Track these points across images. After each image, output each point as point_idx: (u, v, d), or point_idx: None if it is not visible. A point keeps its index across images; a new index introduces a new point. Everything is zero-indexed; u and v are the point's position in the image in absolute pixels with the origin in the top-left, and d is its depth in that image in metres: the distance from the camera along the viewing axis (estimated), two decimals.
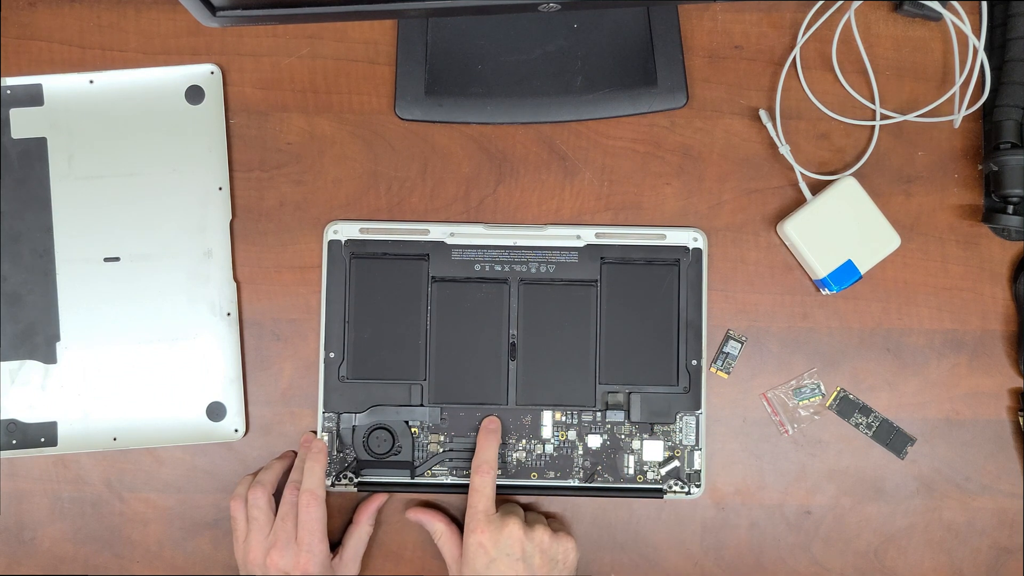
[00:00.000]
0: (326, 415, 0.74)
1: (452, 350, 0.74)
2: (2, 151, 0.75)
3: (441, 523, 0.72)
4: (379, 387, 0.74)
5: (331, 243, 0.75)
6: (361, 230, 0.75)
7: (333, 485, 0.74)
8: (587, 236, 0.75)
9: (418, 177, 0.76)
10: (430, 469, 0.74)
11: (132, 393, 0.75)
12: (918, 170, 0.76)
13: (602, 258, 0.75)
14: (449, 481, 0.74)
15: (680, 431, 0.74)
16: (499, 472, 0.74)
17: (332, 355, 0.74)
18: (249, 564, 0.70)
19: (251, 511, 0.71)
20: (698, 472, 0.74)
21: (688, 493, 0.74)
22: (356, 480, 0.74)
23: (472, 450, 0.74)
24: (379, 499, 0.74)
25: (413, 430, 0.74)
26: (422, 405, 0.74)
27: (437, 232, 0.75)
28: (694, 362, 0.74)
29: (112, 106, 0.75)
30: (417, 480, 0.74)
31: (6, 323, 0.75)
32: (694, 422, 0.74)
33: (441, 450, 0.74)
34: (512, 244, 0.75)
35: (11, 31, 0.76)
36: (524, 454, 0.74)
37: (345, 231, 0.75)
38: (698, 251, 0.75)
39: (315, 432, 0.74)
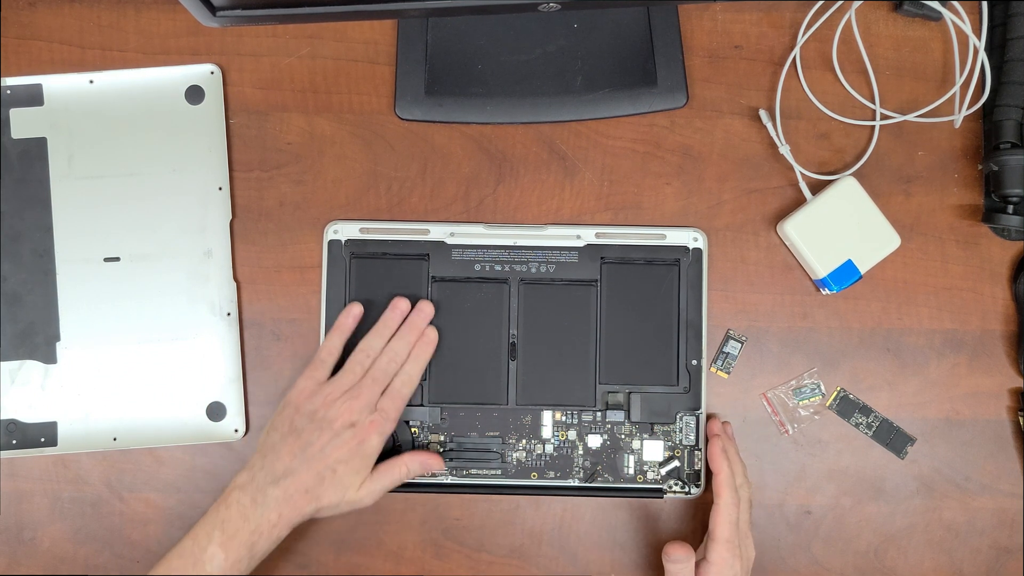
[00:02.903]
0: None
1: (452, 350, 0.74)
2: (2, 151, 0.75)
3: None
4: None
5: (331, 243, 0.75)
6: (361, 230, 0.75)
7: None
8: (587, 236, 0.75)
9: (418, 177, 0.76)
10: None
11: (132, 393, 0.75)
12: (918, 170, 0.76)
13: (602, 258, 0.75)
14: (450, 481, 0.74)
15: (680, 431, 0.74)
16: (498, 472, 0.74)
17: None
18: (317, 400, 0.69)
19: (352, 364, 0.70)
20: (698, 472, 0.74)
21: (688, 493, 0.74)
22: None
23: (473, 450, 0.74)
24: (436, 460, 0.72)
25: (413, 430, 0.74)
26: (422, 405, 0.74)
27: (437, 232, 0.75)
28: (694, 362, 0.74)
29: (112, 106, 0.75)
30: (417, 480, 0.74)
31: (6, 323, 0.75)
32: (694, 422, 0.74)
33: (441, 450, 0.74)
34: (512, 244, 0.75)
35: (11, 31, 0.76)
36: (524, 454, 0.74)
37: (345, 231, 0.75)
38: (698, 251, 0.75)
39: (408, 301, 0.73)
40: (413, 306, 0.74)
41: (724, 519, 0.69)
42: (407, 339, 0.72)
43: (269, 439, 0.69)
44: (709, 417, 0.75)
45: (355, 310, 0.73)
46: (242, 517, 0.66)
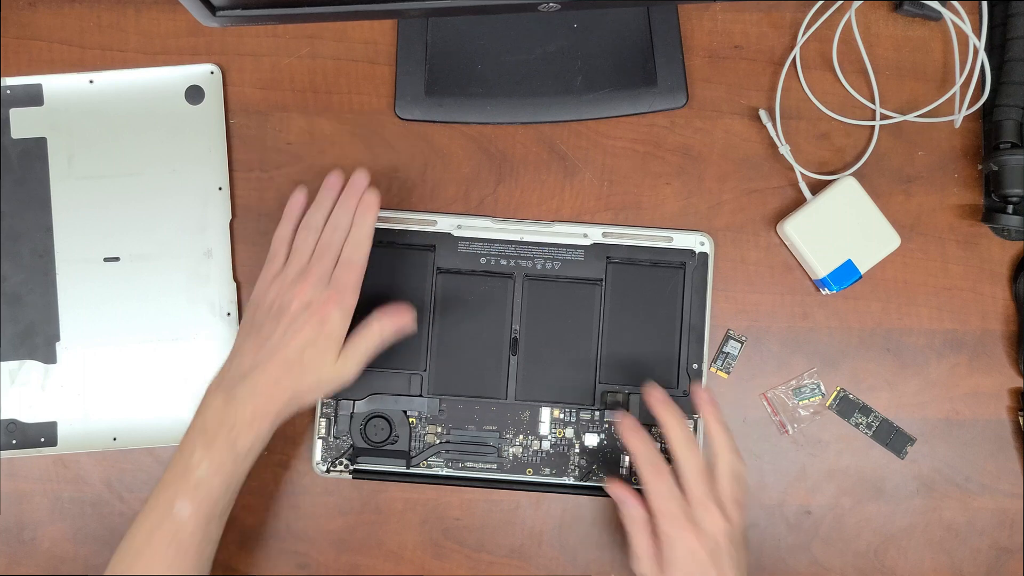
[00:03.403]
0: (324, 401, 0.74)
1: (454, 342, 0.74)
2: (2, 151, 0.75)
3: (642, 511, 0.67)
4: (379, 375, 0.74)
5: None
6: None
7: (328, 471, 0.74)
8: (594, 235, 0.75)
9: (418, 177, 0.76)
10: (426, 460, 0.74)
11: (132, 393, 0.75)
12: (918, 170, 0.76)
13: (608, 257, 0.75)
14: (445, 472, 0.74)
15: None
16: (494, 467, 0.74)
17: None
18: (272, 291, 0.67)
19: (298, 244, 0.68)
20: None
21: None
22: (351, 467, 0.74)
23: (470, 443, 0.74)
24: (406, 315, 0.69)
25: (411, 420, 0.74)
26: (421, 396, 0.74)
27: (444, 224, 0.75)
28: (695, 366, 0.74)
29: (112, 106, 0.75)
30: (413, 470, 0.74)
31: (6, 323, 0.75)
32: (692, 425, 0.74)
33: (438, 441, 0.74)
34: (519, 239, 0.75)
35: (11, 31, 0.76)
36: (520, 449, 0.74)
37: None
38: (704, 255, 0.75)
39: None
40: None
41: (651, 494, 0.66)
42: (347, 205, 0.68)
43: (237, 341, 0.68)
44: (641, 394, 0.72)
45: (299, 194, 0.71)
46: (217, 419, 0.65)
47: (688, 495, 0.65)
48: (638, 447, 0.67)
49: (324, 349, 0.65)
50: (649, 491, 0.66)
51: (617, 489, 0.68)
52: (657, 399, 0.68)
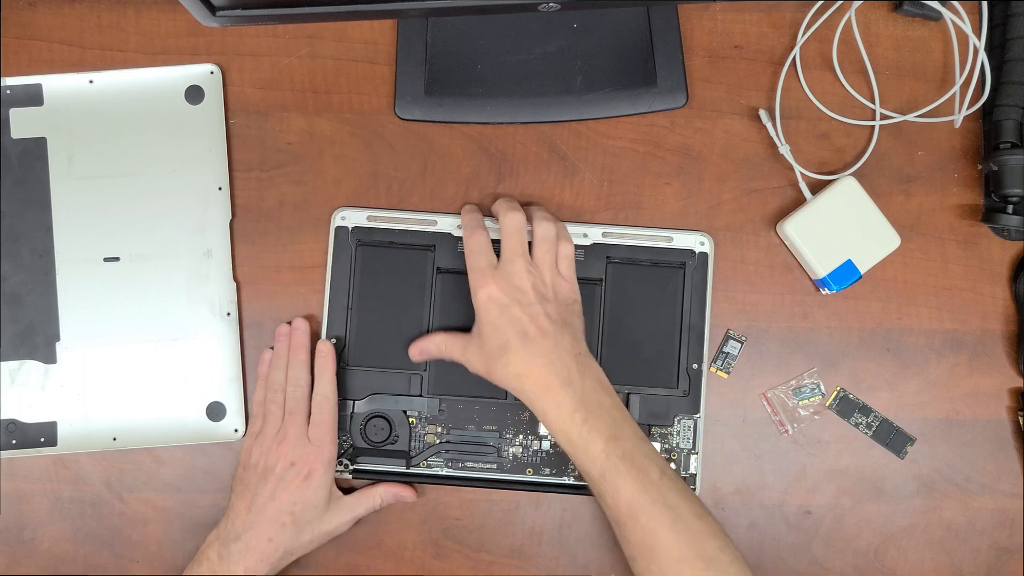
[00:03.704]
0: None
1: None
2: (2, 151, 0.75)
3: (438, 335, 0.71)
4: (379, 375, 0.74)
5: (338, 229, 0.75)
6: (368, 218, 0.75)
7: None
8: (594, 235, 0.75)
9: (418, 177, 0.76)
10: (426, 460, 0.74)
11: (132, 393, 0.75)
12: (918, 170, 0.76)
13: (608, 257, 0.75)
14: (445, 472, 0.74)
15: (678, 434, 0.74)
16: (494, 466, 0.74)
17: (334, 341, 0.74)
18: (256, 452, 0.71)
19: (269, 406, 0.72)
20: (694, 476, 0.74)
21: None
22: (351, 467, 0.74)
23: (470, 443, 0.74)
24: (409, 492, 0.74)
25: (411, 420, 0.74)
26: (421, 395, 0.74)
27: (444, 223, 0.75)
28: (695, 366, 0.74)
29: (112, 106, 0.75)
30: (413, 470, 0.74)
31: (6, 323, 0.75)
32: (692, 425, 0.74)
33: (438, 441, 0.74)
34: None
35: (11, 31, 0.76)
36: (520, 449, 0.74)
37: (352, 218, 0.75)
38: (704, 255, 0.75)
39: (289, 323, 0.75)
40: None
41: (465, 253, 0.70)
42: (299, 359, 0.73)
43: (230, 502, 0.71)
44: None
45: (266, 355, 0.74)
46: (211, 573, 0.68)
47: (501, 256, 0.68)
48: (465, 217, 0.71)
49: (315, 503, 0.70)
50: (464, 250, 0.70)
51: (414, 350, 0.72)
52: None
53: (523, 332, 0.65)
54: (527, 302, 0.66)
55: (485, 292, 0.67)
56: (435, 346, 0.72)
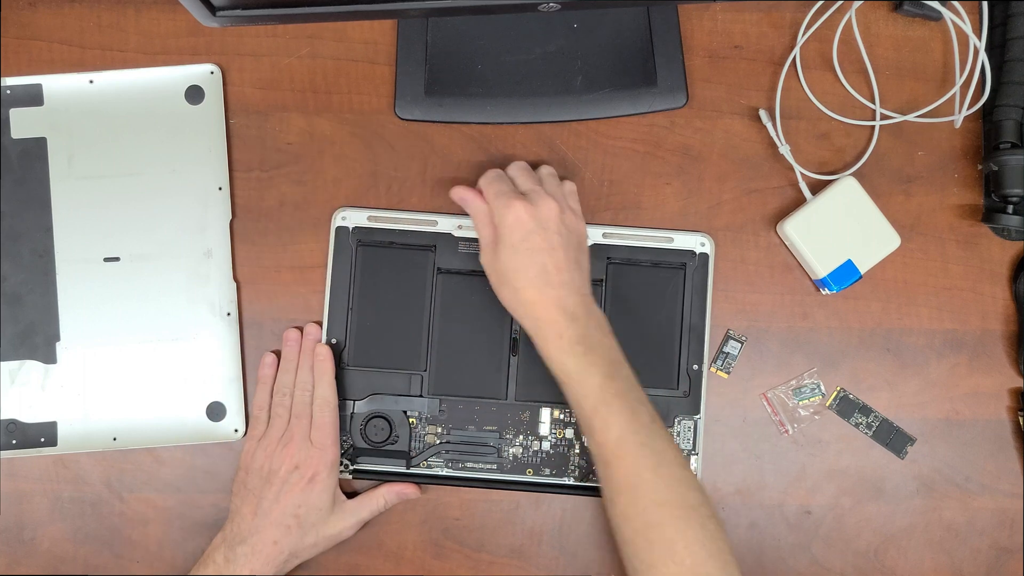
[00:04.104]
0: None
1: (454, 342, 0.74)
2: (2, 151, 0.75)
3: (483, 203, 0.69)
4: (379, 375, 0.74)
5: (338, 229, 0.75)
6: (369, 218, 0.75)
7: None
8: (594, 236, 0.75)
9: (418, 177, 0.76)
10: (426, 460, 0.74)
11: (132, 393, 0.75)
12: (918, 170, 0.76)
13: (608, 258, 0.75)
14: (445, 473, 0.74)
15: (678, 434, 0.74)
16: (494, 467, 0.74)
17: (334, 341, 0.74)
18: (260, 455, 0.71)
19: (276, 409, 0.72)
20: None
21: None
22: (352, 467, 0.74)
23: (470, 443, 0.74)
24: (412, 489, 0.74)
25: (411, 420, 0.74)
26: (421, 396, 0.74)
27: (445, 224, 0.75)
28: (695, 367, 0.74)
29: (112, 106, 0.75)
30: (413, 471, 0.74)
31: (6, 323, 0.75)
32: (692, 426, 0.74)
33: (438, 441, 0.74)
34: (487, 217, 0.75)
35: (11, 31, 0.76)
36: (520, 450, 0.74)
37: (353, 218, 0.75)
38: (704, 256, 0.75)
39: (300, 328, 0.75)
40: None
41: (482, 185, 0.70)
42: (308, 364, 0.73)
43: (233, 505, 0.71)
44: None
45: (268, 359, 0.74)
46: (217, 574, 0.69)
47: (519, 188, 0.69)
48: (465, 188, 0.70)
49: (319, 506, 0.70)
50: (481, 184, 0.70)
51: (458, 191, 0.70)
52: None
53: (540, 263, 0.66)
54: (550, 231, 0.67)
55: (514, 214, 0.67)
56: (475, 210, 0.70)
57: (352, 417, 0.74)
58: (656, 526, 0.62)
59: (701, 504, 0.63)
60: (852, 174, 0.75)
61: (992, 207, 0.75)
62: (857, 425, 0.76)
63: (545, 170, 0.72)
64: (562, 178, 0.73)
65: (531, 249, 0.66)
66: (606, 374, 0.65)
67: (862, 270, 0.73)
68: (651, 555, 0.62)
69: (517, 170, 0.71)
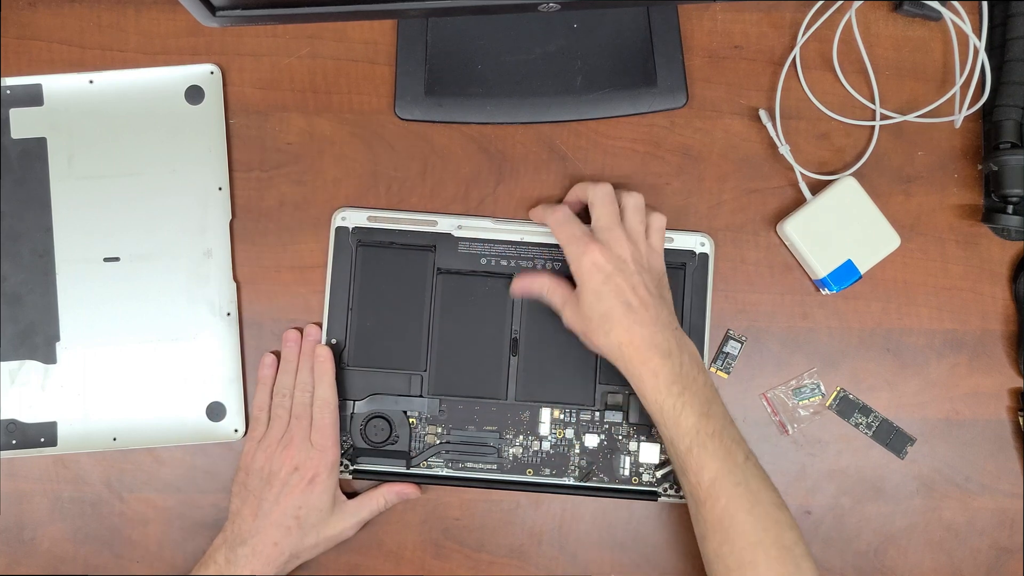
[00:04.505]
0: None
1: (454, 343, 0.74)
2: (2, 151, 0.75)
3: (545, 276, 0.71)
4: (379, 375, 0.74)
5: (338, 229, 0.75)
6: (369, 218, 0.75)
7: None
8: None
9: (418, 177, 0.76)
10: (426, 460, 0.74)
11: (132, 393, 0.75)
12: (918, 170, 0.76)
13: None
14: (445, 473, 0.74)
15: None
16: (494, 467, 0.74)
17: (334, 341, 0.74)
18: (260, 456, 0.71)
19: (276, 411, 0.72)
20: None
21: (683, 497, 0.74)
22: (352, 467, 0.74)
23: (470, 443, 0.74)
24: (412, 488, 0.74)
25: (411, 420, 0.74)
26: (421, 396, 0.74)
27: (445, 224, 0.75)
28: None
29: (112, 106, 0.75)
30: (413, 471, 0.74)
31: (6, 323, 0.75)
32: None
33: (438, 442, 0.74)
34: (519, 240, 0.75)
35: (11, 31, 0.76)
36: (520, 450, 0.74)
37: (352, 218, 0.75)
38: (704, 256, 0.75)
39: (299, 329, 0.75)
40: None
41: (551, 225, 0.70)
42: (308, 365, 0.73)
43: (233, 506, 0.71)
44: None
45: (268, 359, 0.75)
46: (219, 574, 0.69)
47: (594, 225, 0.69)
48: (537, 209, 0.73)
49: (319, 507, 0.70)
50: (549, 223, 0.70)
51: (517, 285, 0.72)
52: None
53: (626, 302, 0.66)
54: (629, 271, 0.67)
55: (589, 259, 0.67)
56: (540, 287, 0.71)
57: (352, 417, 0.74)
58: (750, 565, 0.63)
59: (795, 544, 0.64)
60: (852, 174, 0.75)
61: (992, 207, 0.75)
62: (857, 425, 0.76)
63: (631, 202, 0.70)
64: (652, 208, 0.72)
65: (614, 290, 0.66)
66: (701, 413, 0.64)
67: (862, 270, 0.73)
68: None
69: (600, 197, 0.70)
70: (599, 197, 0.70)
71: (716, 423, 0.65)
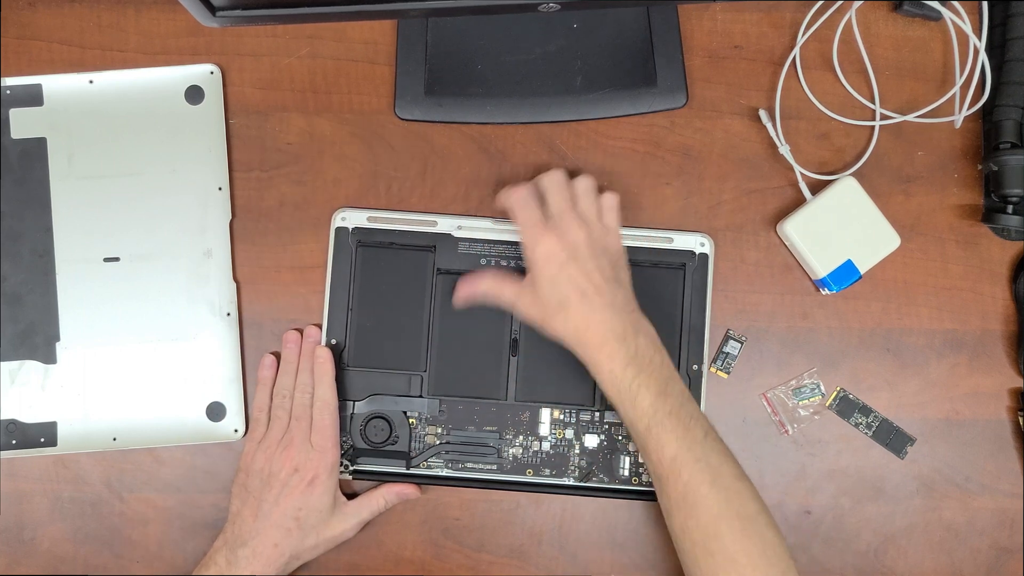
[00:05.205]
0: None
1: (453, 343, 0.74)
2: (2, 151, 0.75)
3: (488, 276, 0.71)
4: (379, 376, 0.74)
5: (338, 230, 0.75)
6: (369, 218, 0.75)
7: None
8: None
9: (418, 177, 0.76)
10: (426, 461, 0.74)
11: (132, 393, 0.75)
12: (918, 170, 0.76)
13: None
14: (445, 473, 0.74)
15: None
16: (494, 467, 0.74)
17: (334, 342, 0.74)
18: (260, 457, 0.71)
19: (276, 412, 0.72)
20: None
21: None
22: (352, 468, 0.74)
23: (470, 443, 0.74)
24: (411, 489, 0.74)
25: (411, 421, 0.74)
26: (421, 396, 0.74)
27: (445, 224, 0.75)
28: (695, 367, 0.74)
29: (112, 106, 0.75)
30: (413, 471, 0.74)
31: (6, 323, 0.75)
32: None
33: (438, 442, 0.74)
34: (519, 240, 0.75)
35: (11, 31, 0.76)
36: (520, 450, 0.74)
37: (352, 218, 0.75)
38: (704, 256, 0.75)
39: (299, 330, 0.75)
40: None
41: (511, 208, 0.69)
42: (308, 366, 0.73)
43: (233, 507, 0.71)
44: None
45: (268, 360, 0.75)
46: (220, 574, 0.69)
47: (549, 210, 0.69)
48: (502, 194, 0.70)
49: (319, 508, 0.70)
50: (510, 206, 0.69)
51: (459, 294, 0.72)
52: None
53: (581, 289, 0.66)
54: (583, 258, 0.67)
55: (544, 248, 0.67)
56: (485, 288, 0.71)
57: (352, 418, 0.74)
58: (715, 538, 0.63)
59: (759, 513, 0.64)
60: (852, 174, 0.75)
61: (992, 207, 0.75)
62: (857, 425, 0.76)
63: (582, 186, 0.70)
64: (603, 188, 0.72)
65: (569, 278, 0.66)
66: (658, 392, 0.65)
67: (862, 270, 0.73)
68: (712, 567, 0.63)
69: (550, 184, 0.70)
70: (550, 185, 0.70)
71: (673, 401, 0.65)
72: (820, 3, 0.75)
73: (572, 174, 0.71)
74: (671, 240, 0.75)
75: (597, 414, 0.74)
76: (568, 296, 0.66)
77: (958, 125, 0.75)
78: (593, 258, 0.67)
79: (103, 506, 0.75)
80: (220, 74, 0.76)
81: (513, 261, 0.75)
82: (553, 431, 0.75)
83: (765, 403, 0.76)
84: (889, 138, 0.76)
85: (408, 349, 0.74)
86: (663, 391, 0.65)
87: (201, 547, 0.74)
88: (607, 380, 0.66)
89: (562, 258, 0.67)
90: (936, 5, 0.74)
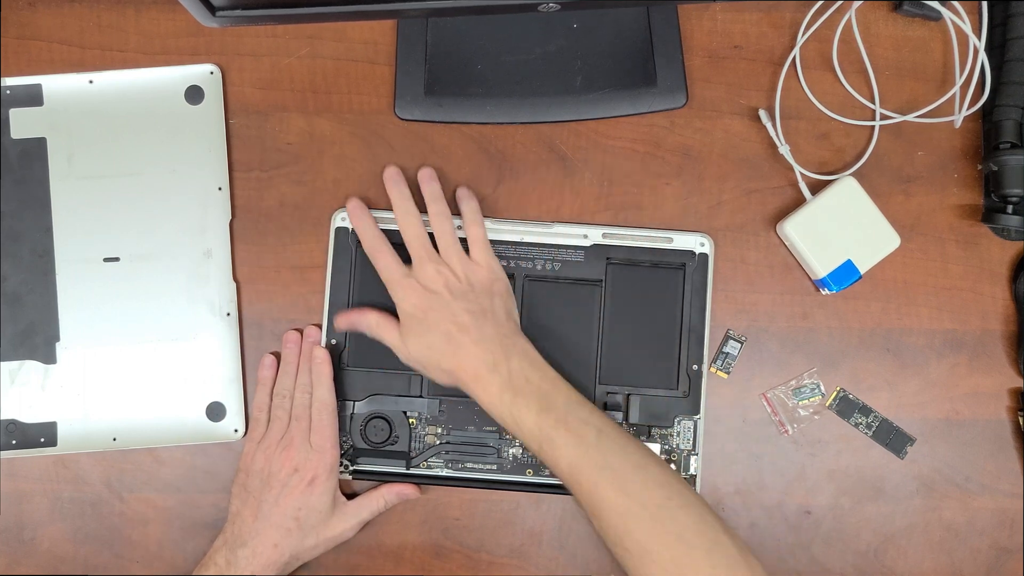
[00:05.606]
0: None
1: None
2: (2, 151, 0.75)
3: (372, 314, 0.72)
4: (379, 376, 0.74)
5: (338, 230, 0.75)
6: None
7: None
8: (594, 236, 0.75)
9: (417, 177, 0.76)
10: (426, 461, 0.74)
11: (132, 393, 0.75)
12: (918, 170, 0.76)
13: (608, 258, 0.75)
14: (445, 473, 0.74)
15: (678, 435, 0.74)
16: (494, 467, 0.74)
17: (334, 342, 0.74)
18: (260, 457, 0.71)
19: (276, 412, 0.73)
20: (694, 476, 0.74)
21: None
22: (352, 468, 0.74)
23: (470, 443, 0.74)
24: (411, 489, 0.74)
25: (411, 421, 0.74)
26: (421, 396, 0.74)
27: None
28: (695, 367, 0.74)
29: (112, 106, 0.75)
30: (413, 471, 0.74)
31: (6, 323, 0.75)
32: (692, 426, 0.74)
33: (438, 442, 0.74)
34: (519, 240, 0.75)
35: (11, 31, 0.76)
36: (520, 450, 0.74)
37: None
38: (704, 256, 0.75)
39: (300, 330, 0.75)
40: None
41: (378, 270, 0.71)
42: (307, 367, 0.74)
43: (233, 507, 0.72)
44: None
45: (267, 360, 0.75)
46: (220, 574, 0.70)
47: (411, 260, 0.71)
48: (365, 232, 0.72)
49: (319, 508, 0.71)
50: (370, 256, 0.71)
51: (342, 318, 0.73)
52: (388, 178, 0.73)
53: (446, 333, 0.68)
54: (443, 303, 0.68)
55: (407, 302, 0.69)
56: (367, 326, 0.72)
57: (352, 418, 0.74)
58: (627, 535, 0.64)
59: (668, 499, 0.64)
60: (852, 174, 0.75)
61: (992, 207, 0.75)
62: (857, 425, 0.76)
63: (437, 225, 0.71)
64: (473, 220, 0.72)
65: (431, 326, 0.68)
66: (539, 409, 0.66)
67: (862, 270, 0.73)
68: (633, 563, 0.64)
69: (406, 228, 0.71)
70: (407, 236, 0.71)
71: (558, 414, 0.66)
72: (820, 3, 0.75)
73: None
74: (671, 240, 0.75)
75: None
76: (435, 343, 0.68)
77: (958, 125, 0.75)
78: (456, 299, 0.68)
79: (103, 506, 0.75)
80: (220, 74, 0.76)
81: (514, 261, 0.75)
82: None
83: (765, 403, 0.76)
84: (889, 138, 0.76)
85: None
86: (545, 407, 0.66)
87: (201, 547, 0.74)
88: (490, 410, 0.68)
89: (424, 308, 0.68)
90: (936, 5, 0.74)
